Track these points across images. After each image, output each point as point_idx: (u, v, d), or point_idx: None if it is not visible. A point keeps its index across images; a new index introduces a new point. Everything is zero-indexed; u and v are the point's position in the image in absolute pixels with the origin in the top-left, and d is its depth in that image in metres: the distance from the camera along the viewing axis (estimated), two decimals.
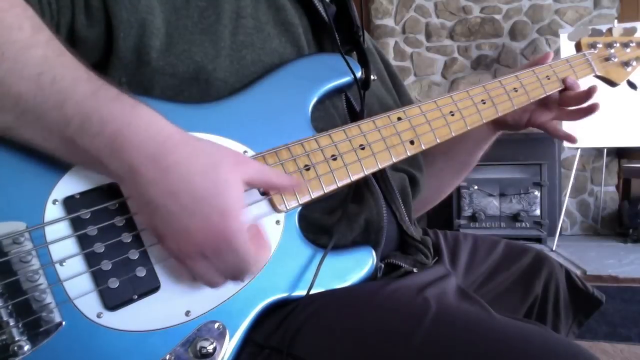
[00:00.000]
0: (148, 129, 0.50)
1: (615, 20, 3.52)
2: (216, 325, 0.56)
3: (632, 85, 1.06)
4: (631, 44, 1.04)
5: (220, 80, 0.64)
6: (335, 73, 0.73)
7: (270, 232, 0.62)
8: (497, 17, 3.80)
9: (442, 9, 3.87)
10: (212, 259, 0.52)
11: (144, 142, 0.49)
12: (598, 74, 1.01)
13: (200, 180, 0.50)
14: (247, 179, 0.54)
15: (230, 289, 0.58)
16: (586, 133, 3.27)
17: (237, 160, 0.54)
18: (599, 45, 1.02)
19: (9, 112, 0.48)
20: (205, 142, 0.54)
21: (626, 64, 1.03)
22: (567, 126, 3.08)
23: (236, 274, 0.54)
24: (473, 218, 3.46)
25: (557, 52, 3.63)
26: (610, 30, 1.04)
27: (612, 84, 1.04)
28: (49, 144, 0.50)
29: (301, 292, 0.62)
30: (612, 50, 1.03)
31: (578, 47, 1.03)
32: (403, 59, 3.96)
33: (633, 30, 1.06)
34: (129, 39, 0.59)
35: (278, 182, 0.59)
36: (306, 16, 0.76)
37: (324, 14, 0.75)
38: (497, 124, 0.97)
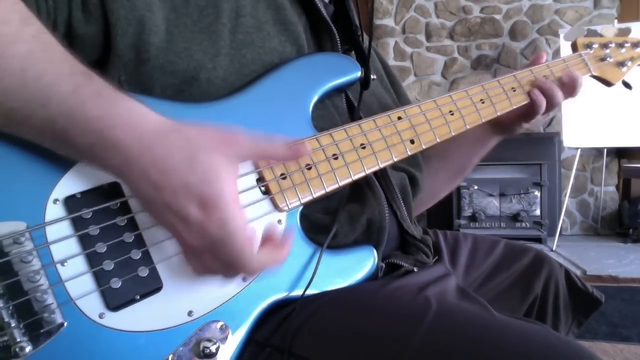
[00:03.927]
0: (127, 126, 0.49)
1: (615, 20, 3.52)
2: (219, 325, 0.56)
3: (627, 85, 1.06)
4: (626, 44, 1.04)
5: (220, 78, 0.64)
6: (335, 72, 0.73)
7: None
8: (497, 17, 3.80)
9: (442, 9, 3.87)
10: (207, 252, 0.51)
11: (126, 141, 0.49)
12: (594, 74, 1.01)
13: (183, 172, 0.49)
14: (238, 156, 0.52)
15: (232, 288, 0.58)
16: (586, 133, 3.28)
17: (222, 141, 0.51)
18: (595, 46, 1.02)
19: None
20: (187, 129, 0.51)
21: (621, 64, 1.03)
22: (569, 127, 3.06)
23: (229, 269, 0.53)
24: (473, 218, 3.46)
25: (557, 52, 3.64)
26: (605, 31, 1.05)
27: (607, 84, 1.04)
28: (44, 141, 0.50)
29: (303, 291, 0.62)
30: (608, 51, 1.03)
31: (574, 47, 1.04)
32: (403, 59, 3.96)
33: (628, 31, 1.06)
34: (127, 36, 0.59)
35: (275, 154, 0.57)
36: (305, 15, 0.77)
37: (324, 12, 0.75)
38: (496, 128, 0.97)
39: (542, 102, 0.89)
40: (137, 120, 0.50)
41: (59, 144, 0.50)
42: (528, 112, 0.91)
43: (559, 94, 0.89)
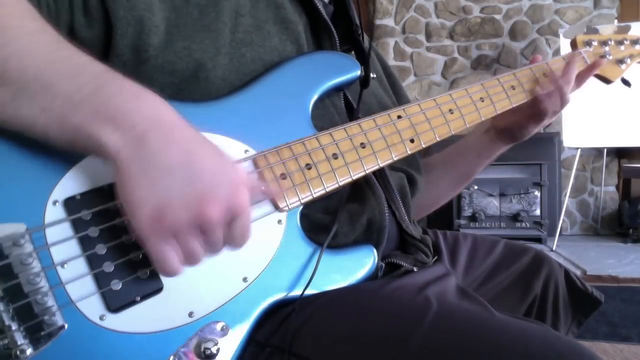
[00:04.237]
0: (161, 106, 0.51)
1: (615, 20, 3.52)
2: (219, 326, 0.56)
3: (626, 82, 1.06)
4: (625, 42, 1.04)
5: (220, 78, 0.64)
6: (335, 71, 0.73)
7: (272, 231, 0.62)
8: (497, 17, 3.80)
9: (442, 9, 3.87)
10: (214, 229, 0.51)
11: (160, 113, 0.50)
12: None
13: (212, 157, 0.51)
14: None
15: (233, 289, 0.58)
16: (586, 133, 3.28)
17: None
18: (594, 43, 1.02)
19: (8, 87, 0.48)
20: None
21: (620, 61, 1.03)
22: (569, 127, 3.05)
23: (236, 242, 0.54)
24: (473, 218, 3.45)
25: (557, 52, 3.64)
26: (605, 29, 1.05)
27: (606, 81, 1.04)
28: (43, 119, 0.48)
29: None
30: (607, 48, 1.03)
31: (573, 45, 1.04)
32: (403, 59, 3.96)
33: (627, 28, 1.06)
34: (126, 37, 0.60)
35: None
36: (305, 14, 0.77)
37: (323, 12, 0.75)
38: (503, 135, 0.97)
39: (548, 100, 0.89)
40: (165, 105, 0.52)
41: (60, 119, 0.49)
42: (535, 113, 0.91)
43: (563, 89, 0.89)
